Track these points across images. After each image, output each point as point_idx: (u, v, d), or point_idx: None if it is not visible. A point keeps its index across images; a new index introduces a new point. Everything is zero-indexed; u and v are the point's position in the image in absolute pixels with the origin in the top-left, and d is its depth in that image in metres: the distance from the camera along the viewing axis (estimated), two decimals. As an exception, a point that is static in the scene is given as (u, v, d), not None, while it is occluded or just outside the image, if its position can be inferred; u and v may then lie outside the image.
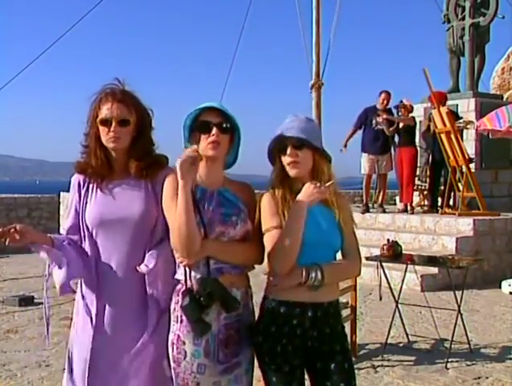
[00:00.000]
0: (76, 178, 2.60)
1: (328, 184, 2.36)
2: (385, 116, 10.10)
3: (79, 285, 2.58)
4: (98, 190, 2.54)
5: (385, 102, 10.31)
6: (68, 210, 2.63)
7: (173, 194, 2.34)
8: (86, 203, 2.54)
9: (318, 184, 2.33)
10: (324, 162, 2.46)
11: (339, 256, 2.51)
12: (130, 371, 2.47)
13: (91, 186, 2.56)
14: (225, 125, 2.39)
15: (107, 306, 2.50)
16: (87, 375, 2.47)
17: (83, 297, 2.55)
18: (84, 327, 2.52)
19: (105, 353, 2.48)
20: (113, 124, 2.46)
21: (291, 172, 2.42)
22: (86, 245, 2.53)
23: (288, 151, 2.39)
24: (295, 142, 2.40)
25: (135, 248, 2.47)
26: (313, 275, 2.32)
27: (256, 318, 2.50)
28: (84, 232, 2.54)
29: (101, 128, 2.49)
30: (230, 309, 2.32)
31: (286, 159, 2.41)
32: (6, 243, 2.39)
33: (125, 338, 2.48)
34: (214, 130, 2.37)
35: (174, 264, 2.48)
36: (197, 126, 2.41)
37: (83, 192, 2.56)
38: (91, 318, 2.51)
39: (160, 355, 2.45)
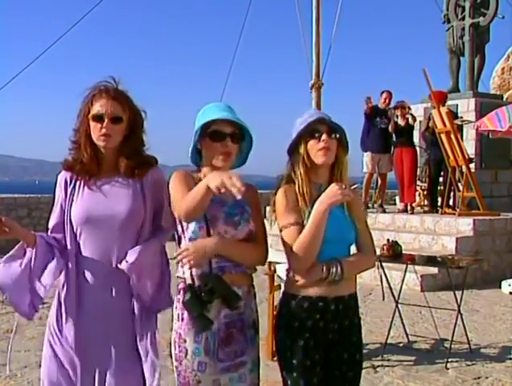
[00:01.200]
0: (63, 176, 2.56)
1: (353, 187, 2.40)
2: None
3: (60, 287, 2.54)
4: (85, 188, 2.51)
5: (387, 101, 10.35)
6: (54, 208, 2.59)
7: (180, 180, 2.37)
8: (72, 200, 2.51)
9: (343, 186, 2.33)
10: (344, 153, 2.48)
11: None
12: (113, 368, 2.46)
13: (78, 183, 2.53)
14: (237, 135, 2.41)
15: (88, 307, 2.47)
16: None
17: (63, 297, 2.52)
18: (64, 329, 2.49)
19: (88, 351, 2.47)
20: (106, 120, 2.44)
21: (321, 159, 2.40)
22: (69, 243, 2.50)
23: (323, 137, 2.39)
24: (329, 130, 2.40)
25: (120, 247, 2.45)
26: (333, 270, 2.36)
27: (259, 316, 2.52)
28: (68, 230, 2.50)
29: (92, 124, 2.46)
30: (232, 305, 2.33)
31: (318, 145, 2.39)
32: None
33: (108, 338, 2.47)
34: (228, 141, 2.39)
35: (161, 264, 2.48)
36: (210, 134, 2.40)
37: (69, 190, 2.53)
38: (70, 320, 2.48)
39: (146, 354, 2.45)
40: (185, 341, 2.36)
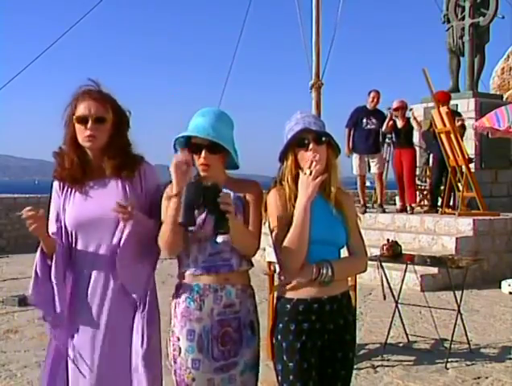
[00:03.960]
0: (56, 183, 2.60)
1: (320, 160, 2.33)
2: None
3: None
4: (75, 193, 2.54)
5: (375, 100, 10.14)
6: (50, 215, 2.61)
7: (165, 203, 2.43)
8: (65, 206, 2.54)
9: (311, 170, 2.32)
10: (334, 155, 2.47)
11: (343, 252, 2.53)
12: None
13: (68, 189, 2.55)
14: (215, 146, 2.41)
15: (82, 304, 2.49)
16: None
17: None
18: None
19: (80, 354, 2.48)
20: (90, 121, 2.46)
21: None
22: (65, 248, 2.52)
23: (311, 146, 2.38)
24: (317, 136, 2.39)
25: (113, 248, 2.46)
26: (324, 271, 2.36)
27: (257, 317, 2.53)
28: (63, 235, 2.53)
29: (77, 126, 2.48)
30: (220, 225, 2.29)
31: (306, 154, 2.38)
32: (31, 228, 2.37)
33: (104, 337, 2.48)
34: (203, 153, 2.41)
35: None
36: (189, 147, 2.45)
37: (62, 197, 2.56)
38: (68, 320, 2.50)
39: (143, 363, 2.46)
40: (178, 339, 2.40)
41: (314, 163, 2.30)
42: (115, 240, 2.47)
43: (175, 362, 2.41)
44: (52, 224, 2.58)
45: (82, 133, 2.47)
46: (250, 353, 2.46)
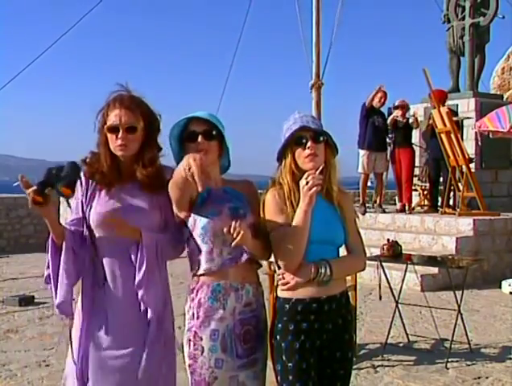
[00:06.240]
0: (84, 178, 2.53)
1: (318, 170, 2.33)
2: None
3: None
4: (103, 192, 2.51)
5: (382, 100, 10.23)
6: (73, 204, 2.57)
7: (178, 182, 2.36)
8: (92, 202, 2.51)
9: (309, 177, 2.30)
10: (332, 155, 2.47)
11: (342, 251, 2.53)
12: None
13: (97, 186, 2.52)
14: (210, 133, 2.43)
15: (105, 309, 2.48)
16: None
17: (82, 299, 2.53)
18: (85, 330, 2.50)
19: (100, 354, 2.47)
20: (121, 131, 2.45)
21: (309, 165, 2.37)
22: (86, 245, 2.50)
23: (309, 144, 2.38)
24: (315, 135, 2.39)
25: (129, 250, 2.45)
26: (322, 271, 2.36)
27: (267, 315, 2.55)
28: (85, 232, 2.51)
29: (108, 135, 2.48)
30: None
31: (304, 152, 2.39)
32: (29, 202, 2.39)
33: (123, 342, 2.47)
34: (200, 138, 2.42)
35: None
36: (185, 137, 2.47)
37: (89, 192, 2.52)
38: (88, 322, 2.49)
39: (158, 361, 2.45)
40: (201, 339, 2.39)
41: (311, 176, 2.29)
42: (132, 246, 2.46)
43: (195, 361, 2.40)
44: (73, 214, 2.56)
45: (114, 142, 2.47)
46: (265, 349, 2.49)
